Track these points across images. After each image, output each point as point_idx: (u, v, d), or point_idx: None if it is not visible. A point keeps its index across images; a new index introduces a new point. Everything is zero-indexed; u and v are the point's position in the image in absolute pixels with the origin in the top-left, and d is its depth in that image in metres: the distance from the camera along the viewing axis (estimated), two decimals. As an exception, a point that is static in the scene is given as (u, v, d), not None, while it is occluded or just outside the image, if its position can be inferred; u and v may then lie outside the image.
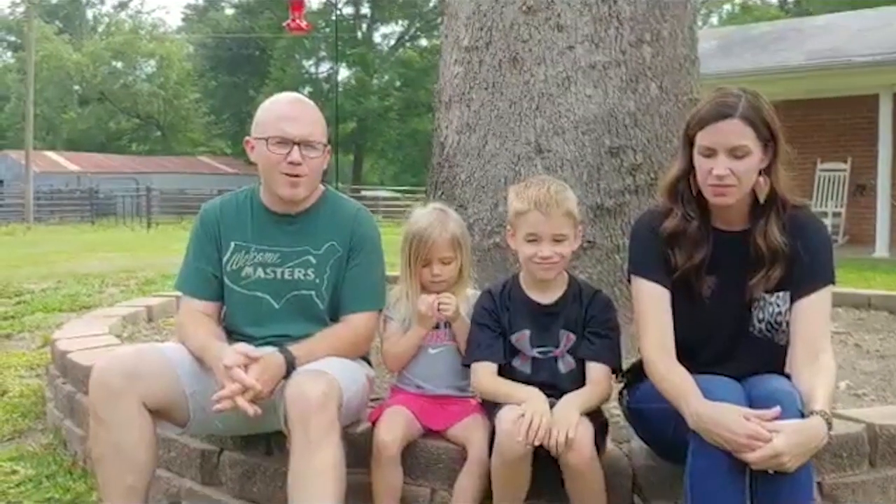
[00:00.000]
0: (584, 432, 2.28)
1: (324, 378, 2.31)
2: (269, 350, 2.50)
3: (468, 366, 2.60)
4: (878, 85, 12.27)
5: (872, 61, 11.77)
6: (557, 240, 2.48)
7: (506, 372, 2.52)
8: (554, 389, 2.46)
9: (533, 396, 2.33)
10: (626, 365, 2.59)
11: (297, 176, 2.60)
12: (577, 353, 2.52)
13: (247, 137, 2.73)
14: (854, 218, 13.54)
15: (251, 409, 2.31)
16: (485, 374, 2.51)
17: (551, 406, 2.33)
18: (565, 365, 2.53)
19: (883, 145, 12.34)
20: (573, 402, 2.36)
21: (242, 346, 2.45)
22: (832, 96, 13.25)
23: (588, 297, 2.57)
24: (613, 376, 2.54)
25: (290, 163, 2.58)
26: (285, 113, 2.64)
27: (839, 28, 14.38)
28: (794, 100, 12.38)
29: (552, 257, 2.47)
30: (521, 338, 2.54)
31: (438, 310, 2.63)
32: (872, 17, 15.04)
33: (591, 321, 2.54)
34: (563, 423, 2.24)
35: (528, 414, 2.23)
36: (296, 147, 2.59)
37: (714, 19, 45.59)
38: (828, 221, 12.52)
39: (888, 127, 12.28)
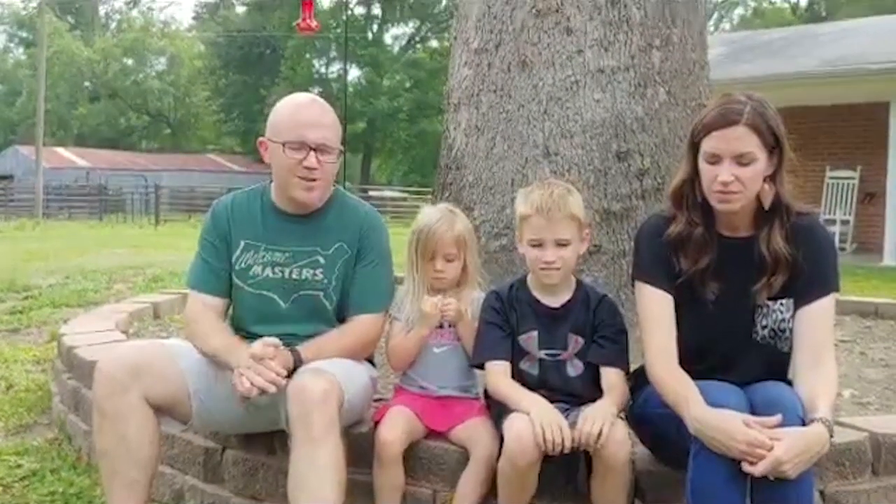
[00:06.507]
0: (623, 431, 2.30)
1: (324, 376, 2.32)
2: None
3: (476, 366, 2.61)
4: (890, 92, 12.22)
5: (884, 69, 11.72)
6: (561, 244, 2.48)
7: (514, 374, 2.52)
8: (565, 394, 2.48)
9: (538, 405, 2.33)
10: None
11: (312, 180, 2.61)
12: (588, 358, 2.52)
13: (261, 138, 2.72)
14: (863, 226, 13.52)
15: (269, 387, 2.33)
16: (498, 375, 2.50)
17: (563, 412, 2.34)
18: (574, 369, 2.53)
19: (893, 153, 12.29)
20: (606, 405, 2.37)
21: (272, 341, 2.45)
22: (842, 103, 13.21)
23: (596, 302, 2.58)
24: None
25: (306, 167, 2.59)
26: (303, 118, 2.62)
27: (851, 35, 14.33)
28: (803, 106, 12.35)
29: (556, 262, 2.48)
30: (529, 339, 2.54)
31: (441, 310, 2.63)
32: (884, 24, 14.99)
33: (600, 325, 2.54)
34: (599, 417, 2.25)
35: (536, 425, 2.24)
36: (312, 152, 2.58)
37: (726, 25, 45.50)
38: (836, 229, 12.51)
39: (899, 135, 12.25)
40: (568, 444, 2.22)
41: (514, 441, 2.27)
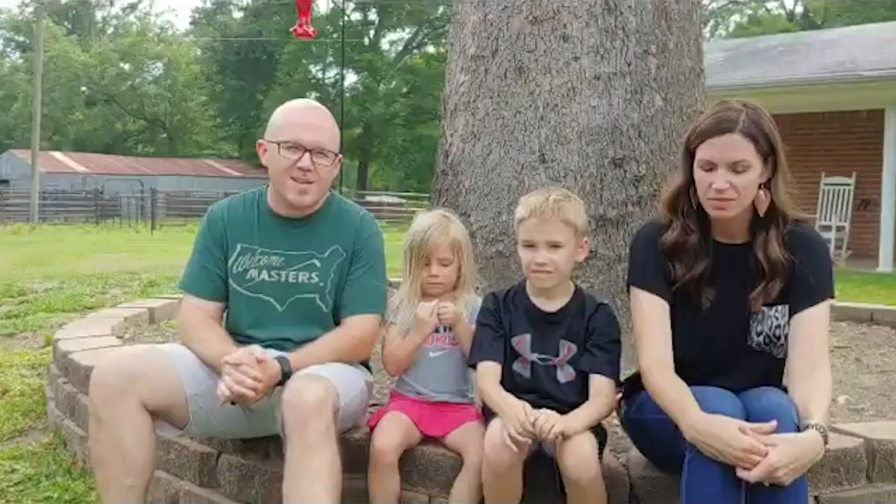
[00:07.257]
0: (590, 448, 2.30)
1: (320, 383, 2.32)
2: (273, 353, 2.51)
3: (472, 366, 2.62)
4: (886, 99, 12.26)
5: (880, 76, 11.75)
6: (552, 246, 2.49)
7: (506, 376, 2.52)
8: (556, 399, 2.47)
9: (512, 406, 2.34)
10: (625, 375, 2.59)
11: (307, 182, 2.62)
12: (579, 365, 2.52)
13: (260, 140, 2.75)
14: (858, 232, 13.52)
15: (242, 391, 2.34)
16: (487, 377, 2.51)
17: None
18: (565, 375, 2.53)
19: (888, 160, 12.34)
20: (579, 414, 2.37)
21: (259, 354, 2.45)
22: (838, 110, 13.24)
23: (591, 309, 2.57)
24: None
25: (301, 168, 2.60)
26: (300, 119, 2.66)
27: (847, 42, 14.37)
28: (799, 113, 12.37)
29: (547, 264, 2.48)
30: (521, 342, 2.55)
31: (438, 315, 2.64)
32: (880, 31, 15.04)
33: (593, 333, 2.54)
34: (562, 421, 2.26)
35: (506, 427, 2.25)
36: (307, 154, 2.61)
37: (722, 31, 45.62)
38: (832, 235, 12.52)
39: (894, 142, 12.29)
40: (528, 428, 2.22)
41: (487, 443, 2.30)
